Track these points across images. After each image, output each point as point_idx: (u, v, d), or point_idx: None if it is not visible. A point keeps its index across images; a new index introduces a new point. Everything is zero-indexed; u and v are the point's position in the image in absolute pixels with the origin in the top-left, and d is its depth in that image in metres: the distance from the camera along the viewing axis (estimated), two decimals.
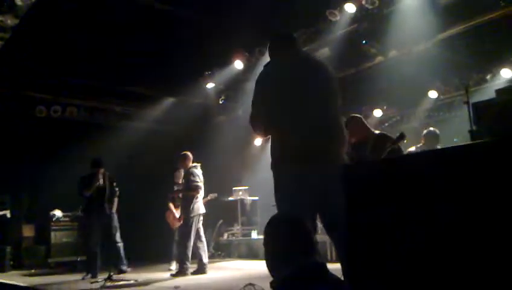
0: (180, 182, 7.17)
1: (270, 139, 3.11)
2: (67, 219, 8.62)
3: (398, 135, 4.14)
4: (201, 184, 6.71)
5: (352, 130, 4.75)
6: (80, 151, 8.40)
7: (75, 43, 7.99)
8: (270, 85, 3.05)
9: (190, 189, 6.64)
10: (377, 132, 4.84)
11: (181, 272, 6.37)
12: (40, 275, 7.11)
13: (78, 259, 8.20)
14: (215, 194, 7.22)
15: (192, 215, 6.55)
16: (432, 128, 6.12)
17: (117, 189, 7.08)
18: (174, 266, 7.04)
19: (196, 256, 6.59)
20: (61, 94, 9.28)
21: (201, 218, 6.76)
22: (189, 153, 6.90)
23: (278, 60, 3.26)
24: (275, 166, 2.99)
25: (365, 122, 4.91)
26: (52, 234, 8.39)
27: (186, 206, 6.66)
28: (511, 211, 1.39)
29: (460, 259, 1.47)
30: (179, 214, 7.05)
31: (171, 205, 7.28)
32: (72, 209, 8.65)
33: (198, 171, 6.78)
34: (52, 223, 8.46)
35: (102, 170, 6.94)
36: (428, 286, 1.52)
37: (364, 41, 7.33)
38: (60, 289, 5.25)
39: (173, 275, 6.38)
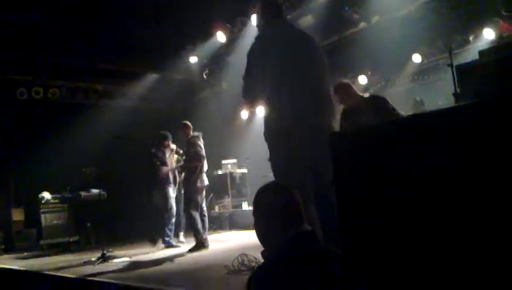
0: (168, 161, 7.09)
1: (264, 111, 3.18)
2: (56, 200, 8.58)
3: None
4: (204, 154, 6.47)
5: (342, 97, 4.69)
6: (64, 132, 8.32)
7: (53, 22, 7.78)
8: (263, 58, 3.11)
9: (193, 159, 6.41)
10: (366, 95, 4.82)
11: (198, 245, 6.12)
12: (33, 257, 7.12)
13: (70, 240, 8.23)
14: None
15: (196, 187, 6.33)
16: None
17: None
18: (182, 238, 7.24)
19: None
20: (41, 75, 9.08)
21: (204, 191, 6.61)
22: (188, 122, 6.75)
23: (269, 31, 3.30)
24: (270, 136, 3.07)
25: (354, 87, 4.86)
26: (42, 216, 8.35)
27: (189, 177, 6.40)
28: (495, 173, 1.41)
29: (452, 228, 1.49)
30: None
31: None
32: (60, 191, 8.62)
33: (200, 141, 6.54)
34: (42, 206, 8.41)
35: (166, 142, 7.02)
36: (415, 250, 1.54)
37: (346, 8, 7.25)
38: (54, 270, 5.26)
39: (191, 250, 6.09)
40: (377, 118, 4.09)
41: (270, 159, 3.08)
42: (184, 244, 7.00)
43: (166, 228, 6.80)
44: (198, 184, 6.40)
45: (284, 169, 2.94)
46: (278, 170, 3.02)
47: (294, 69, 3.07)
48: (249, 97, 3.28)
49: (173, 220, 6.93)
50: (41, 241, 8.26)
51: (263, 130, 3.15)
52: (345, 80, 5.04)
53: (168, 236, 6.82)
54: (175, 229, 7.14)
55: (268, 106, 3.14)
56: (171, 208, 6.88)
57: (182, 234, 7.45)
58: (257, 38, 3.27)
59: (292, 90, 3.02)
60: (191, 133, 6.65)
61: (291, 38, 3.21)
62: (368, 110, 4.38)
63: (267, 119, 3.13)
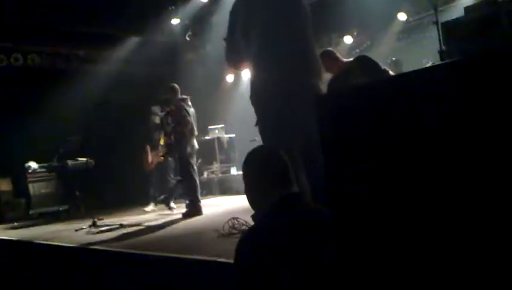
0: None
1: (250, 73, 3.10)
2: (43, 169, 8.52)
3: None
4: (189, 118, 6.30)
5: (327, 65, 4.64)
6: (47, 100, 8.17)
7: None
8: (247, 18, 2.98)
9: (179, 124, 6.30)
10: (350, 59, 4.77)
11: (194, 212, 6.03)
12: (23, 227, 7.14)
13: (60, 208, 8.25)
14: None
15: (186, 152, 6.25)
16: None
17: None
18: (150, 208, 7.30)
19: (183, 197, 6.66)
20: (21, 41, 8.80)
21: (196, 155, 6.58)
22: (175, 85, 6.59)
23: None
24: (257, 99, 3.00)
25: (338, 54, 4.81)
26: (30, 186, 8.31)
27: (179, 144, 6.31)
28: (481, 132, 1.43)
29: (434, 193, 1.51)
30: (151, 158, 7.21)
31: (148, 148, 7.32)
32: (46, 160, 8.55)
33: (188, 105, 6.40)
34: (29, 175, 8.36)
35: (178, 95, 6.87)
36: (406, 216, 1.57)
37: None
38: (45, 239, 5.29)
39: (185, 216, 5.99)
40: (365, 78, 4.06)
41: (258, 123, 3.04)
42: (174, 209, 7.08)
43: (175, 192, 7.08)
44: (189, 149, 6.33)
45: (271, 134, 2.89)
46: (266, 134, 2.97)
47: (279, 30, 2.95)
48: (232, 60, 3.19)
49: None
50: (30, 210, 8.26)
51: (249, 94, 3.11)
52: (328, 48, 5.00)
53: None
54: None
55: (253, 68, 3.04)
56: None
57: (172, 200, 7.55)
58: None
59: (278, 52, 2.92)
60: (178, 96, 6.52)
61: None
62: (355, 72, 4.36)
63: (253, 82, 3.04)
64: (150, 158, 7.39)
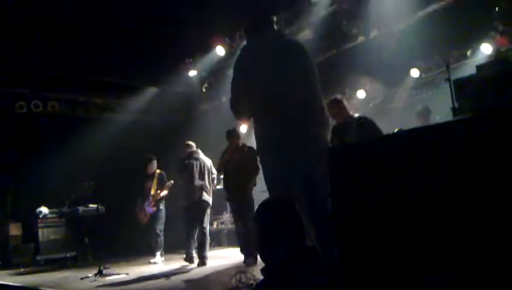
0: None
1: (254, 125, 3.11)
2: (54, 215, 8.50)
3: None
4: (182, 170, 6.62)
5: (333, 114, 4.75)
6: (63, 146, 8.30)
7: (52, 35, 7.81)
8: (247, 70, 3.01)
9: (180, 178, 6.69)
10: (356, 115, 4.86)
11: (186, 259, 6.44)
12: (29, 273, 7.04)
13: (68, 255, 8.14)
14: (171, 181, 7.19)
15: (182, 204, 6.58)
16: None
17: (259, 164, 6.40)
18: (156, 259, 7.24)
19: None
20: (41, 88, 9.09)
21: (204, 205, 6.54)
22: (187, 142, 6.90)
23: (253, 43, 3.20)
24: (259, 152, 3.02)
25: (346, 104, 4.92)
26: (40, 231, 8.24)
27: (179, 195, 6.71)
28: (491, 185, 1.40)
29: (444, 237, 1.47)
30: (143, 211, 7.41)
31: (139, 201, 7.54)
32: (58, 205, 8.55)
33: (192, 158, 6.64)
34: (39, 221, 8.32)
35: (234, 143, 6.34)
36: (409, 253, 1.52)
37: (345, 22, 7.26)
38: (50, 286, 5.19)
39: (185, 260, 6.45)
40: (363, 138, 4.14)
41: (264, 175, 3.01)
42: (159, 263, 7.12)
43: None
44: (184, 202, 6.56)
45: (274, 184, 2.87)
46: (270, 185, 2.94)
47: (282, 81, 2.95)
48: (235, 113, 3.18)
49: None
50: (38, 256, 8.16)
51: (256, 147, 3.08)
52: (338, 96, 5.10)
53: None
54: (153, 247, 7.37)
55: (257, 120, 3.05)
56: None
57: (158, 253, 7.42)
58: (242, 49, 3.16)
59: (281, 103, 2.91)
60: (187, 151, 6.78)
61: (278, 48, 3.08)
62: (351, 130, 4.48)
63: (257, 134, 3.04)
64: (142, 212, 7.47)
